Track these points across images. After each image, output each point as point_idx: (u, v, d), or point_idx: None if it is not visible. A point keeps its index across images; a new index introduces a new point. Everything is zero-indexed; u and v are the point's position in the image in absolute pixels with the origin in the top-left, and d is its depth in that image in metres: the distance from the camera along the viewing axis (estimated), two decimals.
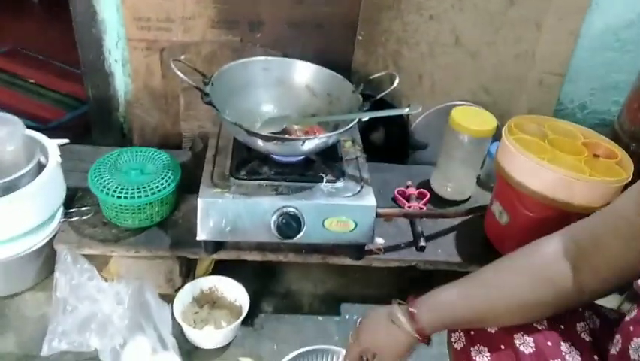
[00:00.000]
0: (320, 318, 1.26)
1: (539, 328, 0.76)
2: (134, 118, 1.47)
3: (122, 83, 1.43)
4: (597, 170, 1.03)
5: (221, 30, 1.34)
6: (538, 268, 0.73)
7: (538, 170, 1.02)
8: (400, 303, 0.81)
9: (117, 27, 1.35)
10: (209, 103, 1.04)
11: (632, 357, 0.62)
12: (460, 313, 0.77)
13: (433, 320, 0.77)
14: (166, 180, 1.15)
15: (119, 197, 1.10)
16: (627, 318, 0.66)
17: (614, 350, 0.66)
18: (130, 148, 1.23)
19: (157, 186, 1.13)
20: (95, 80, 1.42)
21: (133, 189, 1.11)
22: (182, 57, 1.34)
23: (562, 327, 0.77)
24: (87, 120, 1.54)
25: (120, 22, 1.33)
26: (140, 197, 1.11)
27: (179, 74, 1.04)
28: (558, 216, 1.10)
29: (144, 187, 1.12)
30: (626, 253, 0.66)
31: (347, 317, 1.27)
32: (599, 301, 0.82)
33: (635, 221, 0.64)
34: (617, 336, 0.66)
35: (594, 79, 1.51)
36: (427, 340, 0.79)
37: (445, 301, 0.77)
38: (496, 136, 1.25)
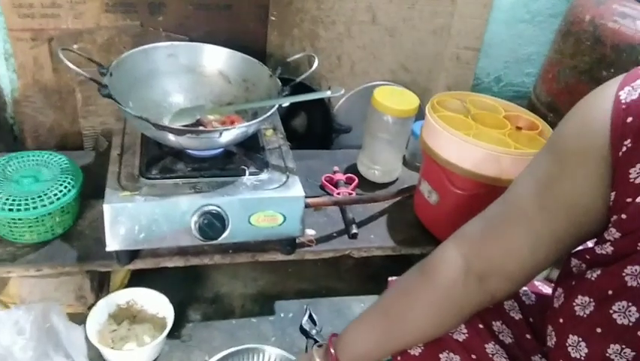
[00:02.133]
0: (254, 320, 1.19)
1: (460, 340, 0.73)
2: (25, 118, 1.31)
3: (6, 79, 1.26)
4: (520, 142, 1.03)
5: (118, 14, 1.21)
6: (442, 298, 0.68)
7: (465, 146, 1.00)
8: (319, 345, 0.81)
9: None
10: (108, 95, 0.92)
11: (572, 355, 0.59)
12: (376, 353, 0.75)
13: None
14: (65, 187, 1.01)
15: (10, 210, 0.96)
16: (555, 304, 0.64)
17: (550, 343, 0.64)
18: (20, 153, 1.08)
19: (55, 194, 0.99)
20: None
21: (27, 200, 0.97)
22: (75, 47, 1.20)
23: (480, 326, 0.75)
24: None
25: None
26: (36, 208, 0.97)
27: (70, 65, 0.91)
28: (487, 193, 1.09)
29: (40, 196, 0.98)
30: (535, 253, 0.61)
31: (282, 315, 1.21)
32: None
33: (537, 219, 0.60)
34: (550, 327, 0.64)
35: (507, 52, 1.54)
36: None
37: (361, 348, 0.75)
38: (419, 115, 1.23)
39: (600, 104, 0.55)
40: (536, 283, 0.84)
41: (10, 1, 1.15)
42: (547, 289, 0.82)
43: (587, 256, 0.61)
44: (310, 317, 1.20)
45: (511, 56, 1.55)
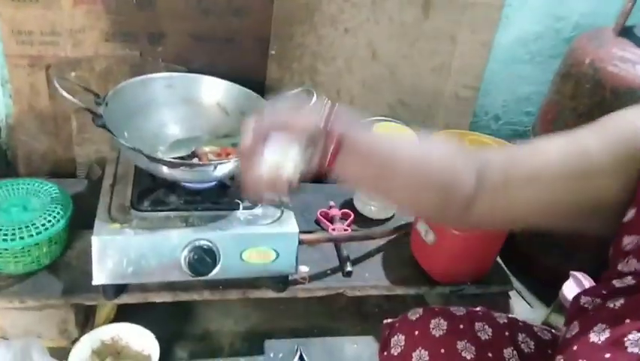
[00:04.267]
0: (242, 360, 1.15)
1: (468, 357, 0.73)
2: (19, 144, 1.29)
3: (1, 105, 1.25)
4: None
5: (117, 44, 1.20)
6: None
7: None
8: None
9: None
10: (103, 126, 0.91)
11: None
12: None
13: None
14: (54, 216, 0.99)
15: None
16: (568, 335, 0.62)
17: None
18: (9, 180, 1.06)
19: (43, 224, 0.97)
20: None
21: (14, 229, 0.95)
22: (73, 74, 1.19)
23: (490, 355, 0.74)
24: None
25: None
26: (22, 238, 0.95)
27: (65, 94, 0.90)
28: (484, 234, 1.08)
29: (27, 226, 0.96)
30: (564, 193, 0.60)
31: (272, 355, 1.17)
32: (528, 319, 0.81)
33: (593, 159, 0.58)
34: (559, 357, 0.61)
35: (506, 91, 1.54)
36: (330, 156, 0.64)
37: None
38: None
39: None
40: (535, 328, 0.82)
41: (10, 28, 1.15)
42: (546, 336, 0.79)
43: (604, 291, 0.59)
44: (301, 357, 1.16)
45: (511, 95, 1.55)
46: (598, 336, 0.56)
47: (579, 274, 1.15)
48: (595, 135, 0.58)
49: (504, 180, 0.62)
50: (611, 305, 0.57)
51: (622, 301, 0.56)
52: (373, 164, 0.64)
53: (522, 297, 1.36)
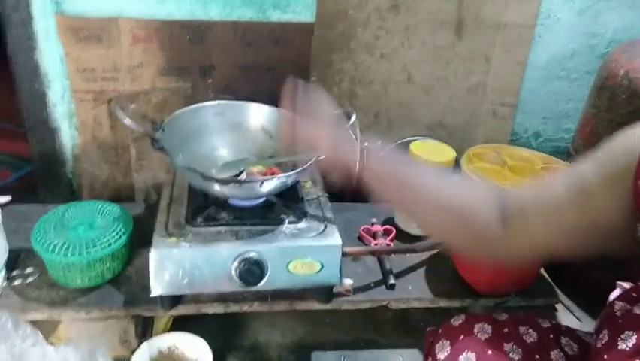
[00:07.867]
0: None
1: (516, 358, 0.74)
2: (83, 173, 1.41)
3: (68, 137, 1.37)
4: None
5: (171, 77, 1.31)
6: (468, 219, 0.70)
7: None
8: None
9: (61, 80, 1.30)
10: (161, 148, 0.99)
11: None
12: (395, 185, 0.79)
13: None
14: (117, 233, 1.07)
15: (65, 255, 1.02)
16: (599, 345, 0.63)
17: None
18: (77, 202, 1.16)
19: (107, 241, 1.05)
20: (40, 136, 1.35)
21: (81, 246, 1.03)
22: (132, 106, 1.30)
23: (537, 357, 0.75)
24: (33, 179, 1.45)
25: (64, 74, 1.29)
26: (89, 253, 1.03)
27: (126, 121, 1.00)
28: None
29: (93, 242, 1.04)
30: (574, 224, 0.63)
31: None
32: (575, 327, 0.81)
33: (593, 190, 0.61)
34: None
35: (545, 108, 1.55)
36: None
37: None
38: (456, 169, 1.25)
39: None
40: (578, 332, 0.82)
41: (75, 67, 1.27)
42: (590, 340, 0.80)
43: (634, 294, 0.61)
44: None
45: (549, 112, 1.56)
46: (626, 343, 0.58)
47: (627, 284, 1.14)
48: (589, 161, 0.62)
49: (521, 215, 0.66)
50: (638, 311, 0.59)
51: None
52: (390, 185, 0.78)
53: (570, 311, 1.34)
